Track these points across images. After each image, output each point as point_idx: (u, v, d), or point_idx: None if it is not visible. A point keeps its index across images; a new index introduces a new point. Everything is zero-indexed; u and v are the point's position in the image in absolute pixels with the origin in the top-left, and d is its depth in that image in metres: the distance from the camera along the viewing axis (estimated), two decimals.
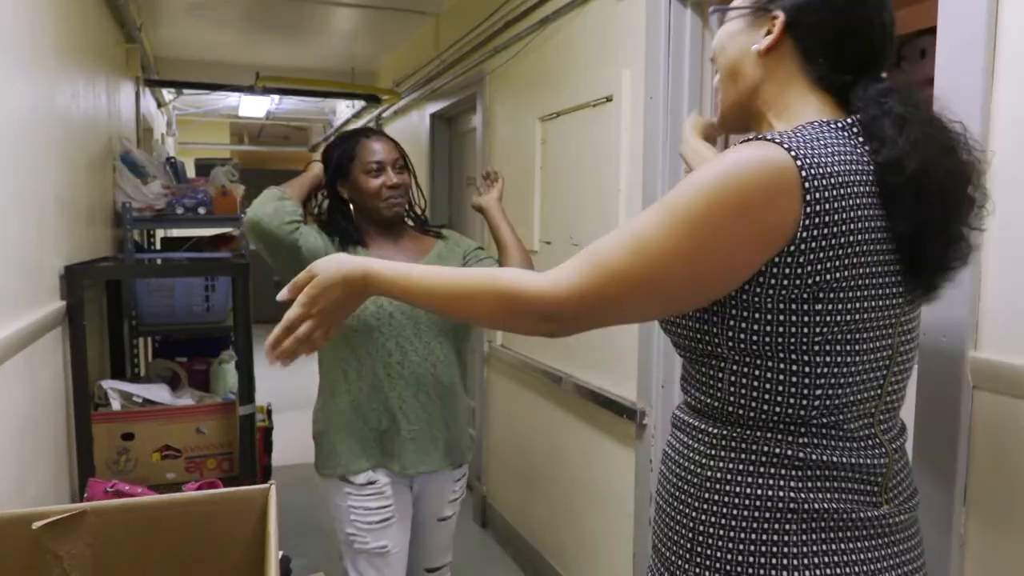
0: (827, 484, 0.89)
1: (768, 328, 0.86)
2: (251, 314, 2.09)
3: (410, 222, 1.97)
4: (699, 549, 0.92)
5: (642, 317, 0.98)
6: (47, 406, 1.76)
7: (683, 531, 0.95)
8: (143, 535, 0.98)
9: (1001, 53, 1.20)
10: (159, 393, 2.22)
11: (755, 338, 0.87)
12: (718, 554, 0.91)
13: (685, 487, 0.96)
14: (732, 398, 0.91)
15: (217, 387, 2.54)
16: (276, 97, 6.19)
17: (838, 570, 0.88)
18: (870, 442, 0.91)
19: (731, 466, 0.92)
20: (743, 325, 0.87)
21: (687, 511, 0.95)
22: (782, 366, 0.87)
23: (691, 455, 0.96)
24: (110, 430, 2.08)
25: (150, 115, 4.70)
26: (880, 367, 0.91)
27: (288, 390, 6.83)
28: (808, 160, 0.81)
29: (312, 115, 7.71)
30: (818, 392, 0.88)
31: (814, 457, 0.89)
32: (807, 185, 0.80)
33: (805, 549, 0.88)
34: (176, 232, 4.23)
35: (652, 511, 1.07)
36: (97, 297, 2.46)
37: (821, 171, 0.81)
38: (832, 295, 0.84)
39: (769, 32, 0.94)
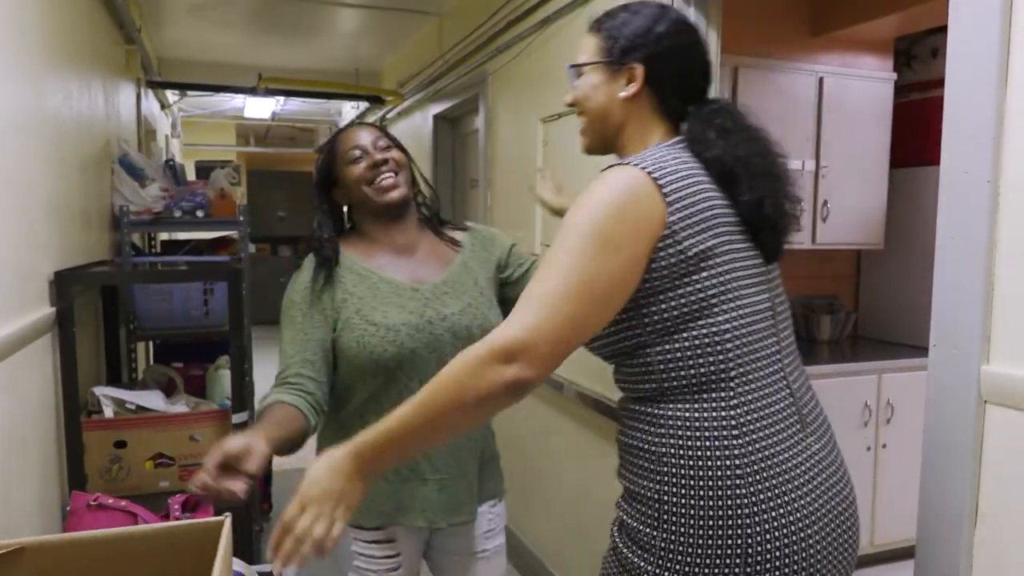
0: (761, 435, 1.07)
1: (674, 303, 1.07)
2: (246, 318, 2.05)
3: (425, 212, 1.70)
4: (665, 517, 1.07)
5: (594, 324, 1.07)
6: (35, 413, 1.73)
7: (650, 502, 1.09)
8: (87, 572, 0.92)
9: (1016, 51, 1.14)
10: (153, 400, 2.19)
11: (667, 315, 1.08)
12: (683, 520, 1.06)
13: (645, 465, 1.11)
14: (665, 375, 1.09)
15: (213, 393, 2.51)
16: (281, 98, 6.17)
17: (785, 510, 1.05)
18: (782, 384, 1.12)
19: (679, 441, 1.07)
20: (655, 308, 1.08)
21: (651, 486, 1.09)
22: (695, 332, 1.07)
23: (644, 437, 1.12)
24: (102, 438, 2.05)
25: (153, 117, 4.68)
26: (767, 318, 1.13)
27: None
28: (655, 168, 1.07)
29: (318, 116, 7.68)
30: (728, 346, 1.08)
31: (744, 411, 1.07)
32: (660, 183, 1.06)
33: (756, 508, 1.04)
34: (177, 235, 4.21)
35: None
36: (92, 302, 2.43)
37: (667, 172, 1.07)
38: (711, 261, 1.07)
39: (631, 81, 1.17)
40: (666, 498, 1.07)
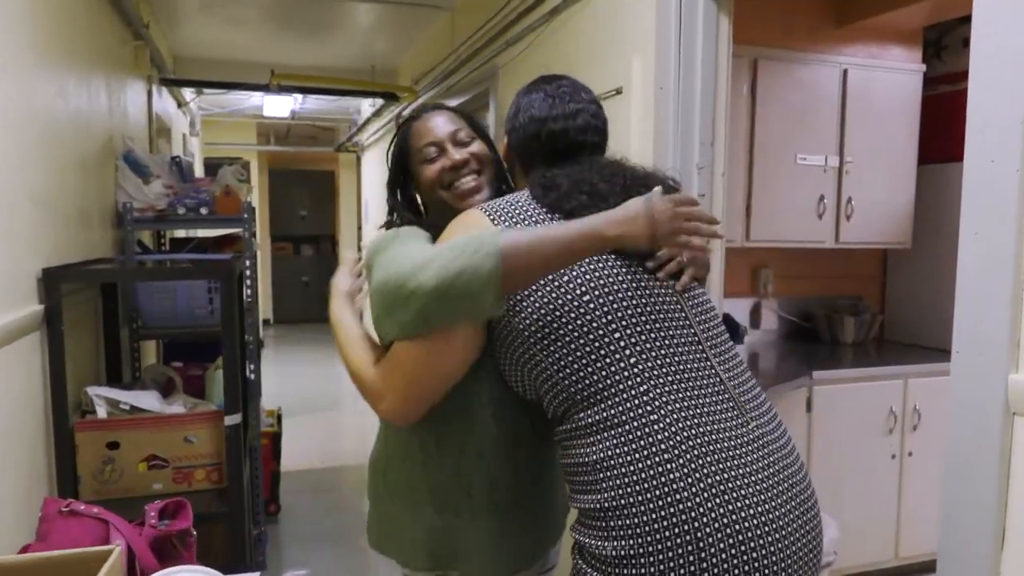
0: (687, 421, 1.08)
1: (528, 319, 1.16)
2: (239, 318, 1.99)
3: None
4: (612, 524, 1.07)
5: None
6: (22, 413, 1.68)
7: (596, 515, 1.09)
8: None
9: None
10: (148, 400, 2.14)
11: (529, 328, 1.16)
12: (626, 522, 1.05)
13: (585, 479, 1.12)
14: (565, 386, 1.14)
15: (212, 394, 2.46)
16: (299, 97, 6.15)
17: (731, 494, 1.04)
18: (708, 371, 1.15)
19: (605, 443, 1.09)
20: (514, 328, 1.17)
21: (594, 497, 1.09)
22: (567, 338, 1.14)
23: (576, 452, 1.13)
24: (94, 439, 2.00)
25: (168, 115, 4.67)
26: (667, 304, 1.19)
27: (300, 393, 6.84)
28: (486, 207, 1.26)
29: (337, 115, 7.66)
30: (616, 336, 1.14)
31: (663, 398, 1.09)
32: (486, 213, 1.23)
33: (696, 492, 1.04)
34: (183, 233, 4.19)
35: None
36: (91, 300, 2.40)
37: (493, 206, 1.25)
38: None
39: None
40: (607, 504, 1.07)
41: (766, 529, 1.04)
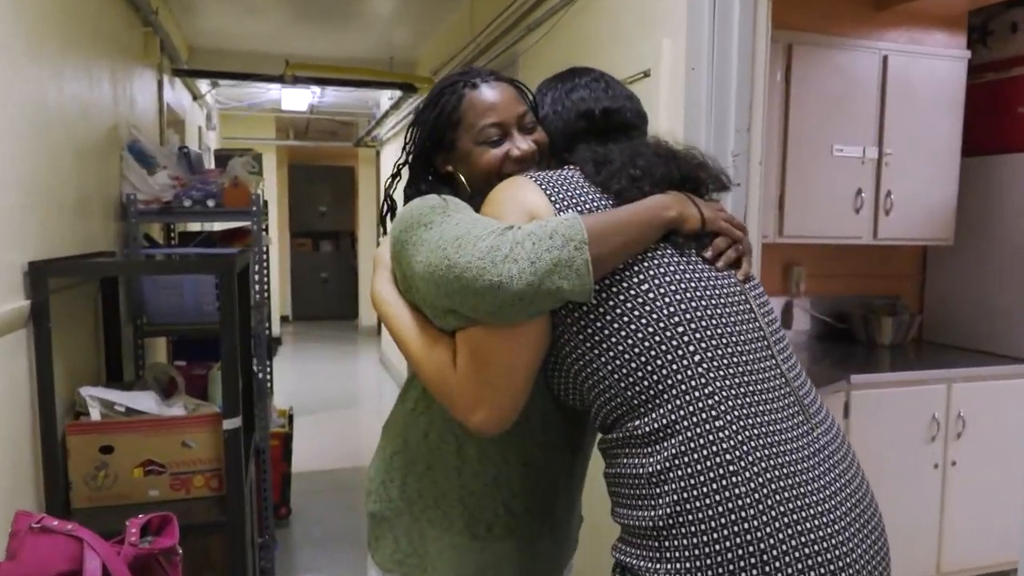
0: (752, 421, 0.97)
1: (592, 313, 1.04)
2: (237, 315, 1.87)
3: None
4: (667, 544, 0.96)
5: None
6: (5, 416, 1.58)
7: (648, 533, 0.98)
8: None
9: None
10: (145, 402, 2.03)
11: (591, 322, 1.05)
12: (684, 541, 0.94)
13: (637, 492, 1.00)
14: (622, 386, 1.02)
15: (215, 394, 2.35)
16: (317, 90, 6.05)
17: (801, 512, 0.94)
18: (775, 371, 1.05)
19: (665, 452, 0.97)
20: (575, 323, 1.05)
21: (647, 514, 0.98)
22: (630, 329, 1.04)
23: (629, 461, 1.02)
24: (87, 442, 1.89)
25: (182, 107, 4.58)
26: (732, 295, 1.09)
27: (318, 390, 6.76)
28: (534, 175, 1.13)
29: (356, 108, 7.56)
30: (680, 330, 1.03)
31: (725, 399, 0.98)
32: (537, 183, 1.10)
33: (761, 508, 0.93)
34: (198, 226, 4.10)
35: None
36: (90, 295, 2.29)
37: (543, 176, 1.12)
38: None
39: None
40: (663, 522, 0.96)
41: (836, 553, 0.94)
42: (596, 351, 1.02)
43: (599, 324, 1.01)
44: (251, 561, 2.15)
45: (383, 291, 1.17)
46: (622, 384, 1.01)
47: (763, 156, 1.77)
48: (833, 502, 0.97)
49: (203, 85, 5.45)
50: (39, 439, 1.75)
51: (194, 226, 4.44)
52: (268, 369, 3.05)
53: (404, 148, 1.28)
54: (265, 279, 3.10)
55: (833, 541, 0.94)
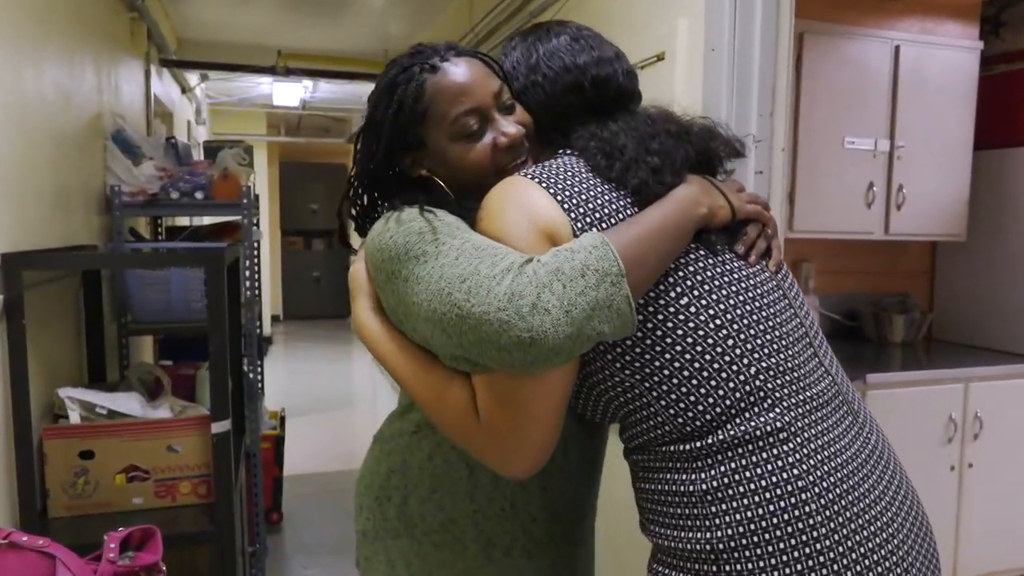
0: (814, 431, 0.90)
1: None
2: (226, 312, 1.76)
3: None
4: (727, 568, 0.86)
5: None
6: None
7: (698, 557, 0.89)
8: None
9: None
10: (128, 403, 1.91)
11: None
12: (747, 560, 0.86)
13: (683, 511, 0.90)
14: (671, 402, 0.91)
15: (203, 395, 2.23)
16: (309, 84, 5.93)
17: (868, 527, 0.87)
18: (821, 371, 0.96)
19: (719, 471, 0.88)
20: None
21: (696, 536, 0.89)
22: (677, 334, 0.93)
23: (676, 477, 0.92)
24: (66, 447, 1.78)
25: (170, 100, 4.46)
26: (772, 290, 1.00)
27: (310, 391, 6.64)
28: (536, 173, 0.96)
29: (350, 104, 7.42)
30: (724, 333, 0.93)
31: (786, 409, 0.89)
32: (542, 184, 0.94)
33: (831, 525, 0.86)
34: (187, 221, 3.97)
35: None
36: (71, 290, 2.17)
37: (547, 173, 0.96)
38: None
39: None
40: (722, 545, 0.86)
41: (896, 558, 0.89)
42: (637, 378, 0.91)
43: (638, 350, 0.90)
44: (241, 572, 2.03)
45: (370, 325, 1.00)
46: (670, 411, 0.90)
47: (786, 143, 1.67)
48: (891, 507, 0.92)
49: (192, 78, 5.32)
50: (12, 443, 1.63)
51: (183, 221, 4.31)
52: (259, 369, 2.93)
53: (355, 158, 1.06)
54: (256, 275, 2.99)
55: (892, 546, 0.89)
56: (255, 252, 2.97)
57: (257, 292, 3.12)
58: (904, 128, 2.95)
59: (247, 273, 2.73)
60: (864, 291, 3.34)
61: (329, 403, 6.14)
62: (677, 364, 0.89)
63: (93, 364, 2.27)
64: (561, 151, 1.01)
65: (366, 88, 6.71)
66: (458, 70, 0.99)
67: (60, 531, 1.70)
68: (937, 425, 2.66)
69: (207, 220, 4.22)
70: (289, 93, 6.19)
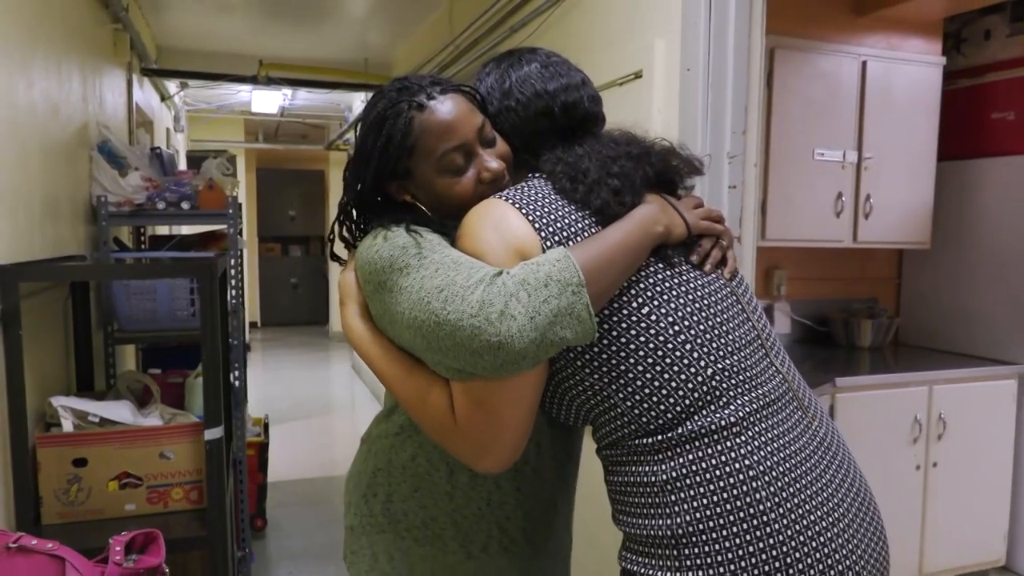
0: (765, 425, 0.97)
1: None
2: (219, 319, 1.80)
3: None
4: (686, 552, 0.94)
5: None
6: None
7: (660, 543, 0.96)
8: None
9: None
10: (120, 412, 1.94)
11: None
12: (704, 549, 0.93)
13: (648, 500, 0.98)
14: (632, 397, 0.99)
15: (192, 403, 2.26)
16: (288, 92, 5.95)
17: (816, 512, 0.95)
18: (772, 371, 1.05)
19: (678, 462, 0.96)
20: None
21: (659, 523, 0.97)
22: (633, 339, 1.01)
23: (639, 469, 1.00)
24: (59, 455, 1.81)
25: (151, 108, 4.46)
26: (725, 297, 1.08)
27: (289, 398, 6.63)
28: (510, 196, 1.05)
29: (328, 111, 7.46)
30: (682, 338, 1.01)
31: (740, 406, 0.97)
32: (515, 206, 1.03)
33: (784, 510, 0.93)
34: (166, 230, 3.99)
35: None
36: (59, 301, 2.20)
37: (519, 196, 1.04)
38: None
39: None
40: (681, 530, 0.94)
41: (849, 547, 0.96)
42: (604, 381, 0.99)
43: (605, 356, 0.98)
44: (232, 573, 2.07)
45: (358, 329, 1.08)
46: (635, 411, 0.98)
47: (758, 158, 1.75)
48: (839, 494, 0.98)
49: (172, 86, 5.32)
50: (8, 452, 1.66)
51: (162, 230, 4.32)
52: (243, 376, 2.96)
53: (347, 183, 1.14)
54: (241, 284, 3.02)
55: (840, 528, 0.96)
56: (240, 261, 3.00)
57: (242, 300, 3.15)
58: (871, 140, 3.07)
59: (232, 282, 2.76)
60: (834, 297, 3.45)
61: (309, 410, 6.15)
62: (640, 367, 0.97)
63: (81, 373, 2.29)
64: (531, 175, 1.10)
65: (344, 96, 6.74)
66: (444, 108, 1.07)
67: (54, 538, 1.72)
68: (903, 426, 2.76)
69: (185, 229, 4.24)
70: (268, 100, 6.22)
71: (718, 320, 1.01)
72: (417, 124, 1.06)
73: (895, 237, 3.19)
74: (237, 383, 2.86)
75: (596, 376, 0.99)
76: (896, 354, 3.27)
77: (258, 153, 9.75)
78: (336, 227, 1.17)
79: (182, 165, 4.34)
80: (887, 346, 3.37)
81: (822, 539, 0.94)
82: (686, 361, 0.97)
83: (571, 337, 0.92)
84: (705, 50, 1.70)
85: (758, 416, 0.97)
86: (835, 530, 0.95)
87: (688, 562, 0.93)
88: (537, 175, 1.09)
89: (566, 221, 1.02)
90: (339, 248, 1.19)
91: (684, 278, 1.03)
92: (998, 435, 2.90)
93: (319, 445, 5.25)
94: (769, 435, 0.97)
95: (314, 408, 6.26)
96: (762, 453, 0.95)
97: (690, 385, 0.97)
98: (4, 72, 1.74)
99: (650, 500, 0.97)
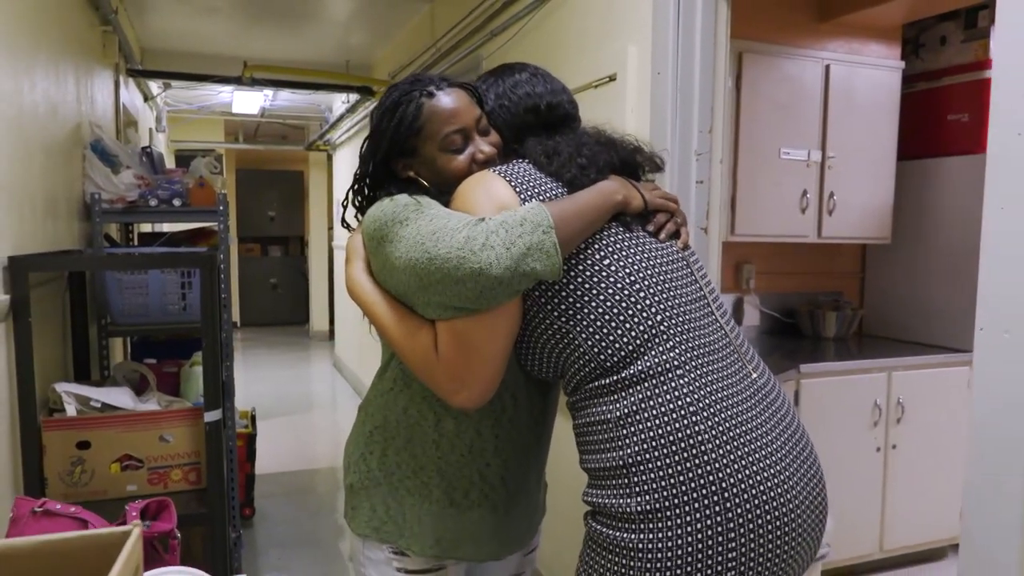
0: (705, 369, 1.12)
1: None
2: (218, 310, 1.90)
3: None
4: (636, 479, 1.07)
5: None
6: None
7: (617, 472, 1.09)
8: None
9: None
10: (120, 397, 2.03)
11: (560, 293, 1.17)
12: (651, 475, 1.06)
13: (603, 436, 1.12)
14: (590, 348, 1.14)
15: (188, 391, 2.35)
16: (269, 93, 6.01)
17: (748, 443, 1.08)
18: (714, 325, 1.20)
19: (628, 399, 1.10)
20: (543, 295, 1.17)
21: (613, 455, 1.10)
22: (595, 301, 1.15)
23: (595, 410, 1.14)
24: (63, 438, 1.89)
25: (135, 108, 4.52)
26: (676, 259, 1.24)
27: (271, 396, 6.69)
28: (497, 169, 1.23)
29: (308, 112, 7.52)
30: (636, 288, 1.16)
31: (682, 350, 1.12)
32: (501, 175, 1.21)
33: (719, 442, 1.07)
34: (155, 227, 4.05)
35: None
36: (58, 293, 2.28)
37: (505, 169, 1.23)
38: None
39: None
40: (631, 460, 1.08)
41: (781, 478, 1.08)
42: (571, 323, 1.14)
43: (571, 299, 1.13)
44: (229, 555, 2.16)
45: (361, 280, 1.25)
46: (595, 349, 1.13)
47: (723, 155, 1.88)
48: (772, 436, 1.12)
49: (155, 87, 5.37)
50: (18, 435, 1.75)
51: (146, 227, 4.38)
52: (231, 369, 3.04)
53: (362, 158, 1.33)
54: (228, 280, 3.10)
55: (781, 474, 1.09)
56: (228, 256, 3.09)
57: (228, 295, 3.23)
58: (834, 140, 3.22)
59: (222, 277, 2.85)
60: (800, 290, 3.61)
61: (289, 407, 6.22)
62: (599, 309, 1.12)
63: (78, 363, 2.37)
64: (516, 160, 1.28)
65: (324, 97, 6.80)
66: (449, 98, 1.26)
67: None
68: (864, 410, 2.92)
69: (166, 227, 4.29)
70: (249, 101, 6.27)
71: (668, 277, 1.18)
72: (426, 109, 1.25)
73: (857, 232, 3.35)
74: (226, 375, 2.95)
75: (562, 319, 1.14)
76: (860, 344, 3.43)
77: (238, 154, 9.77)
78: (350, 195, 1.35)
79: (169, 164, 4.39)
80: (851, 337, 3.53)
81: (756, 470, 1.07)
82: (639, 306, 1.12)
83: (540, 269, 1.08)
84: (674, 55, 1.83)
85: (700, 362, 1.12)
86: (769, 464, 1.08)
87: (638, 488, 1.07)
88: (522, 160, 1.27)
89: (542, 187, 1.20)
90: (350, 216, 1.38)
91: (640, 240, 1.20)
92: (953, 418, 3.07)
93: (301, 441, 5.33)
94: (709, 378, 1.11)
95: (295, 406, 6.32)
96: (702, 392, 1.10)
97: (641, 327, 1.11)
98: (11, 74, 1.83)
99: (606, 436, 1.12)
